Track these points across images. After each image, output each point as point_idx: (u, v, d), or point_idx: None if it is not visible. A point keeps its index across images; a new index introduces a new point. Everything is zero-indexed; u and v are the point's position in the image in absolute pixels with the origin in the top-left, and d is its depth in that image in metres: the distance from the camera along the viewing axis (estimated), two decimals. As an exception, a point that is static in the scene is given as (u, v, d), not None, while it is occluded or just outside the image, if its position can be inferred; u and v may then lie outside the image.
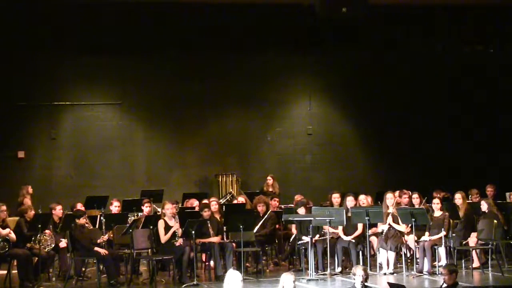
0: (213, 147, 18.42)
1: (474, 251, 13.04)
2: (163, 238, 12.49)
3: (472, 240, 13.14)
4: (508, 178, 17.07)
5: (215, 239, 12.73)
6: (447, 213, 12.99)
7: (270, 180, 17.17)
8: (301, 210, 13.29)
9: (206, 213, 12.91)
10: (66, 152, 17.73)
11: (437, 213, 13.09)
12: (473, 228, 13.30)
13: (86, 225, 12.73)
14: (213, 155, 18.37)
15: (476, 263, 13.01)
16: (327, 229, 12.81)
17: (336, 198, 13.66)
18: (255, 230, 13.23)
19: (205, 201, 14.02)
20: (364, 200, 13.75)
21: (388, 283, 10.25)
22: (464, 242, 13.17)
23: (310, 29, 18.15)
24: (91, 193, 15.29)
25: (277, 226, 14.00)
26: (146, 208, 13.66)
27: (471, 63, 19.10)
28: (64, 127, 17.80)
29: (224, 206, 14.44)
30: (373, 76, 18.91)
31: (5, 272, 12.40)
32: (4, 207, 12.25)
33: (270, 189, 16.89)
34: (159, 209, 14.32)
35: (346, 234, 13.15)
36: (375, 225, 13.34)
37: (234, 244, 12.80)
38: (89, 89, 17.95)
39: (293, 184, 18.26)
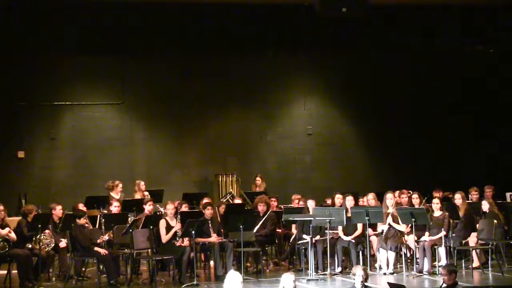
0: (213, 147, 18.42)
1: (474, 251, 13.04)
2: (164, 238, 12.50)
3: (472, 240, 13.14)
4: (508, 178, 17.07)
5: (215, 239, 12.73)
6: (447, 213, 13.00)
7: (258, 180, 17.18)
8: (310, 203, 13.35)
9: (208, 211, 12.91)
10: (66, 152, 17.73)
11: (437, 213, 13.09)
12: (473, 228, 13.31)
13: (86, 225, 12.74)
14: (213, 155, 18.37)
15: (476, 263, 13.01)
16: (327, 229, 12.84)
17: (339, 199, 13.67)
18: (255, 230, 13.24)
19: (206, 200, 14.05)
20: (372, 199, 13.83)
21: (388, 283, 10.25)
22: (464, 242, 13.17)
23: (310, 29, 18.15)
24: (91, 193, 15.28)
25: (277, 230, 14.03)
26: (148, 207, 13.68)
27: (471, 63, 19.10)
28: (64, 127, 17.80)
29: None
30: (373, 76, 18.92)
31: (5, 272, 12.40)
32: (1, 207, 12.24)
33: (257, 189, 16.84)
34: (161, 209, 14.32)
35: (346, 234, 13.16)
36: (375, 226, 13.34)
37: (234, 244, 12.80)
38: (89, 89, 17.95)
39: (293, 184, 18.26)
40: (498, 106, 19.24)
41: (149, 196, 15.23)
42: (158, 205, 14.72)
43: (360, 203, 14.34)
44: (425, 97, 19.15)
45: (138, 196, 15.25)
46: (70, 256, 12.55)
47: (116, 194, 15.21)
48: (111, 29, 17.46)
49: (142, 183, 15.74)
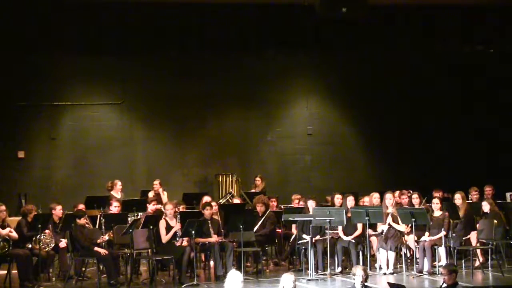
0: (213, 147, 18.41)
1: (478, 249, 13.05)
2: (164, 238, 12.50)
3: (473, 237, 13.14)
4: (508, 178, 17.06)
5: (214, 239, 12.73)
6: (447, 213, 13.01)
7: (258, 180, 17.16)
8: (310, 203, 13.35)
9: (208, 212, 12.91)
10: (66, 152, 17.73)
11: (437, 213, 13.10)
12: (473, 228, 13.32)
13: (87, 225, 12.74)
14: (213, 155, 18.37)
15: (481, 259, 13.00)
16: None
17: (339, 199, 13.69)
18: (254, 230, 13.23)
19: (206, 199, 14.07)
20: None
21: (388, 283, 10.26)
22: (464, 238, 13.17)
23: (310, 29, 18.15)
24: (91, 193, 15.29)
25: (277, 230, 14.04)
26: (152, 206, 13.69)
27: (471, 63, 19.10)
28: (64, 127, 17.80)
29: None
30: (373, 76, 18.91)
31: (5, 272, 12.40)
32: (3, 207, 12.25)
33: (257, 190, 16.80)
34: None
35: (346, 234, 13.17)
36: (375, 226, 13.34)
37: (234, 244, 12.80)
38: (89, 89, 17.95)
39: (293, 184, 18.25)
40: (498, 106, 19.23)
41: (165, 195, 15.30)
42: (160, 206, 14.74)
43: (360, 203, 14.35)
44: (425, 97, 19.14)
45: (150, 195, 15.30)
46: (70, 256, 12.55)
47: (116, 193, 15.28)
48: (111, 29, 17.45)
49: (155, 182, 15.80)
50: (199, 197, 14.93)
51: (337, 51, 18.62)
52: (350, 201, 13.51)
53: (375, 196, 14.03)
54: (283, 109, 18.96)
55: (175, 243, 12.50)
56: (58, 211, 13.09)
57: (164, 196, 15.61)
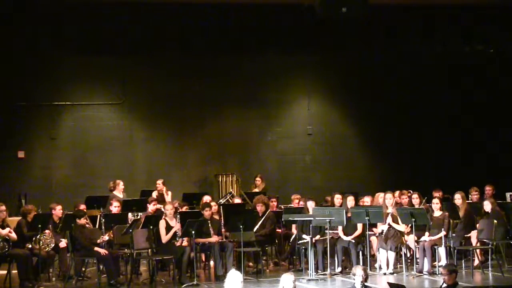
0: (213, 147, 18.42)
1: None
2: (164, 238, 12.50)
3: (473, 237, 13.14)
4: (508, 178, 17.06)
5: (214, 239, 12.73)
6: (447, 213, 13.01)
7: (258, 181, 17.15)
8: (310, 203, 13.34)
9: (207, 213, 12.91)
10: (66, 152, 17.73)
11: (437, 213, 13.10)
12: (473, 228, 13.32)
13: (87, 225, 12.74)
14: (213, 155, 18.37)
15: (480, 258, 13.00)
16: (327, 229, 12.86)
17: (338, 199, 13.69)
18: (254, 230, 13.24)
19: (206, 199, 14.06)
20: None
21: (388, 283, 10.26)
22: (465, 236, 13.17)
23: (310, 29, 18.14)
24: (91, 193, 15.29)
25: (277, 230, 14.04)
26: (152, 207, 13.69)
27: (471, 63, 19.10)
28: (64, 127, 17.80)
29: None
30: (373, 76, 18.91)
31: (5, 272, 12.40)
32: (3, 207, 12.25)
33: (257, 190, 16.79)
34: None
35: (346, 234, 13.17)
36: (375, 225, 13.36)
37: (234, 244, 12.80)
38: (89, 89, 17.95)
39: (293, 184, 18.25)
40: (498, 106, 19.23)
41: (169, 195, 15.31)
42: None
43: (360, 203, 14.35)
44: (426, 96, 19.14)
45: (154, 195, 15.32)
46: (70, 256, 12.55)
47: (119, 193, 15.27)
48: (111, 29, 17.42)
49: (158, 181, 15.83)
50: (199, 197, 14.95)
51: (337, 51, 18.61)
52: (350, 201, 13.52)
53: (381, 196, 14.02)
54: (283, 109, 18.96)
55: (175, 243, 12.51)
56: (58, 211, 13.10)
57: (168, 197, 15.61)
